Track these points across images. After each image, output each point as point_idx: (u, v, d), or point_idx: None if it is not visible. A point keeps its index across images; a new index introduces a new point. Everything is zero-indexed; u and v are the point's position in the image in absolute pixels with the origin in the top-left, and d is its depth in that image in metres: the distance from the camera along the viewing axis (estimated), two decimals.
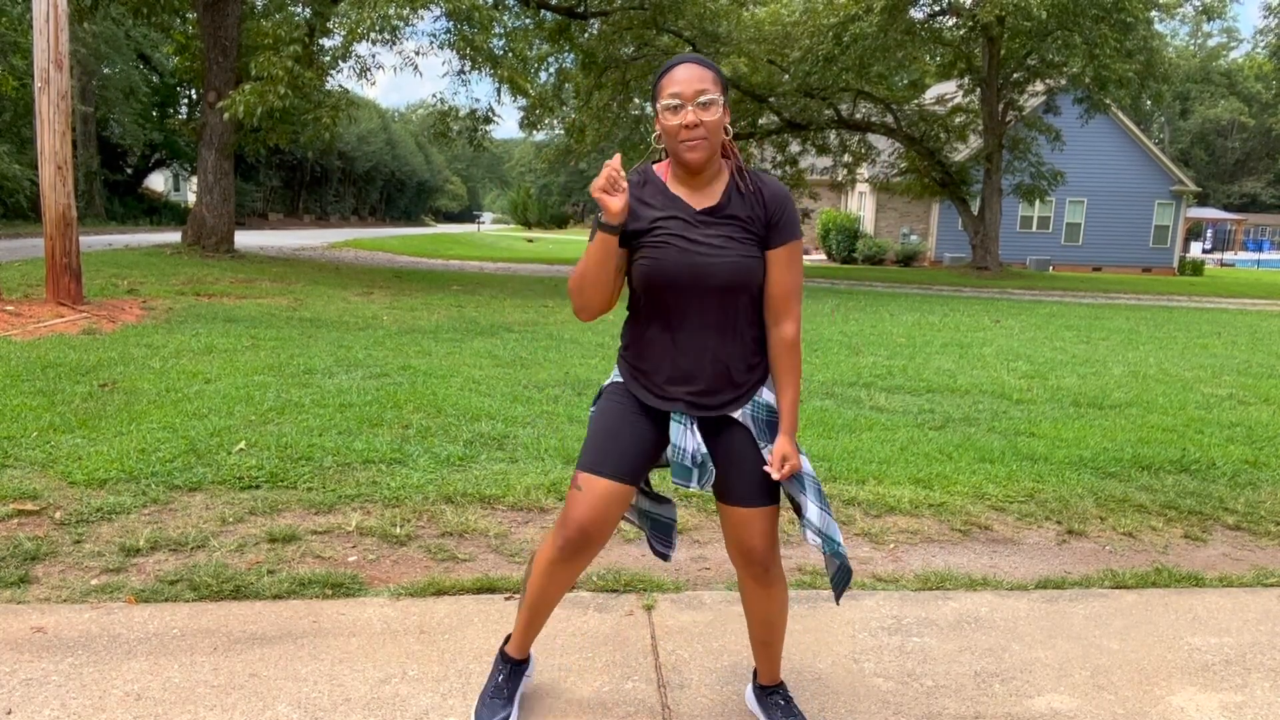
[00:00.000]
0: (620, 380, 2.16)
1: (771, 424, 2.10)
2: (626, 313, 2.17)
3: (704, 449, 2.08)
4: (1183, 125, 62.88)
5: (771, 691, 2.28)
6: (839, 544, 2.10)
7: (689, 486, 2.07)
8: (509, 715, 2.19)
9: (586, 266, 2.01)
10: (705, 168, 2.02)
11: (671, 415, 2.08)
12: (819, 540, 2.07)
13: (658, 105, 1.98)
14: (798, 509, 2.12)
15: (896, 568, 3.33)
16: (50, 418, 4.66)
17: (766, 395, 2.11)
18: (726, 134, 2.02)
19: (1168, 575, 3.32)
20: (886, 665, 2.59)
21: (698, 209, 2.03)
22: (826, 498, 2.14)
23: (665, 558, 2.36)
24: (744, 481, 2.07)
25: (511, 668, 2.26)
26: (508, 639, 2.30)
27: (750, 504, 2.07)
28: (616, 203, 1.93)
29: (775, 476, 2.01)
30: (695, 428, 2.08)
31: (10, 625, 2.60)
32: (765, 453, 2.07)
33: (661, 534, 2.33)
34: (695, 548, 3.45)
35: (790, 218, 2.06)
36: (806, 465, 2.12)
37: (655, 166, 2.12)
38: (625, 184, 1.95)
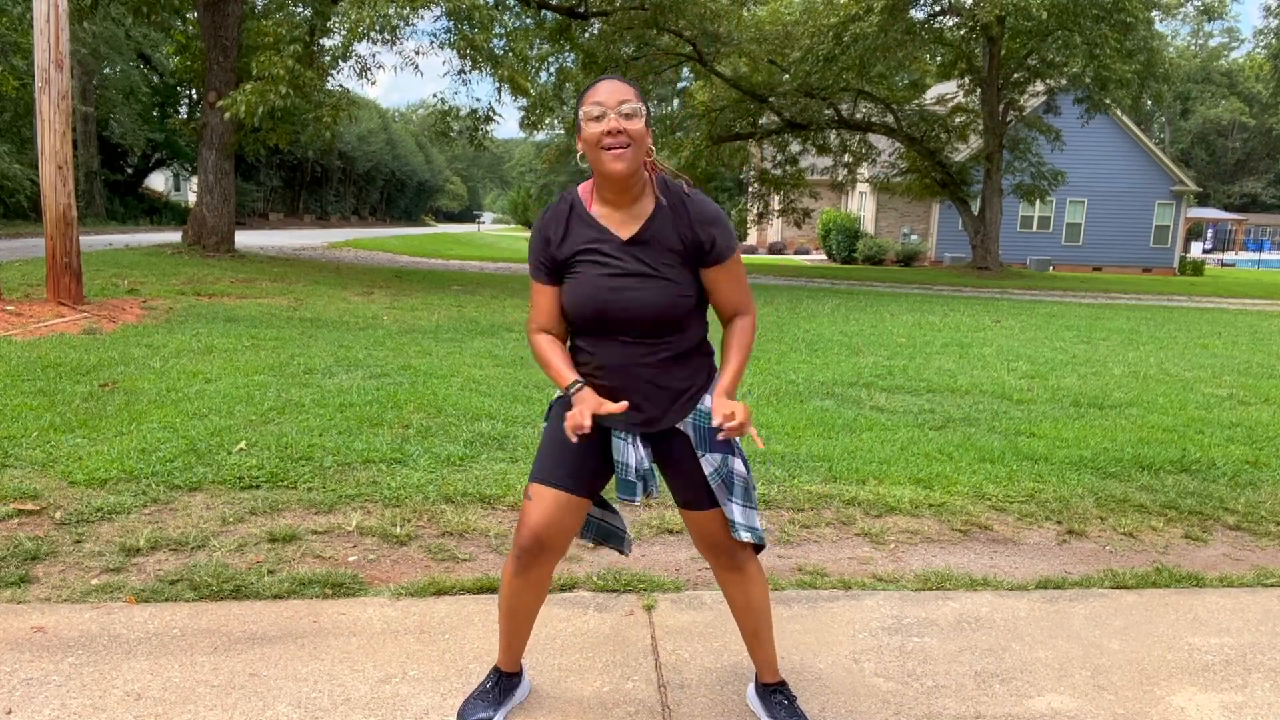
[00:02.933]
0: (565, 395, 2.17)
1: (714, 431, 2.09)
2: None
3: (647, 461, 2.11)
4: (1183, 125, 62.87)
5: (774, 690, 2.28)
6: (762, 532, 2.21)
7: (634, 501, 2.10)
8: (490, 717, 2.19)
9: (543, 364, 2.10)
10: (629, 184, 1.99)
11: (612, 432, 2.11)
12: (750, 536, 2.13)
13: (579, 118, 1.97)
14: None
15: (896, 568, 3.33)
16: (50, 418, 4.66)
17: (708, 401, 2.12)
18: (649, 155, 2.01)
19: (1168, 575, 3.32)
20: (886, 665, 2.59)
21: (623, 238, 2.02)
22: (752, 490, 2.16)
23: (624, 554, 2.44)
24: (689, 489, 2.13)
25: (500, 678, 2.27)
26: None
27: (693, 507, 2.14)
28: (586, 420, 1.93)
29: (721, 434, 1.95)
30: (638, 441, 2.10)
31: (10, 625, 2.60)
32: (705, 462, 2.09)
33: (614, 542, 2.38)
34: (695, 547, 3.44)
35: (723, 237, 2.04)
36: (737, 465, 2.12)
37: (580, 188, 2.10)
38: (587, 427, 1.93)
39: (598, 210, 2.06)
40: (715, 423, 1.95)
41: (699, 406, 2.11)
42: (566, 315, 2.09)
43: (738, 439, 2.10)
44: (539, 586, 2.16)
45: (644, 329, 2.03)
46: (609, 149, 1.93)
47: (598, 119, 1.94)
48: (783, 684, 2.30)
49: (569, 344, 2.17)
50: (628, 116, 1.94)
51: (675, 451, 2.12)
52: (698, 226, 2.02)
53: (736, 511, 2.12)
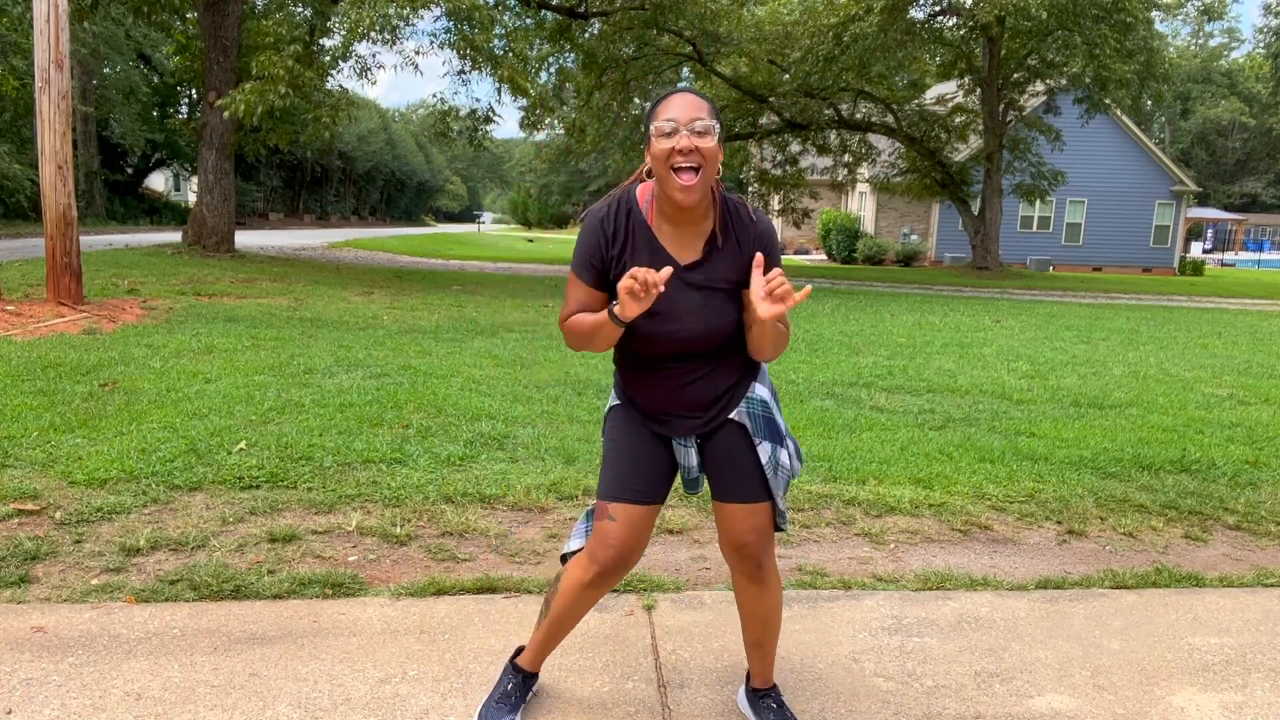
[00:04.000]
0: (619, 403, 2.18)
1: (768, 420, 2.10)
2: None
3: (699, 466, 2.13)
4: (1183, 125, 62.86)
5: (764, 695, 2.27)
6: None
7: (696, 494, 2.15)
8: None
9: (584, 333, 1.97)
10: (696, 206, 1.92)
11: (673, 440, 2.12)
12: (782, 521, 2.14)
13: (650, 130, 1.90)
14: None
15: (896, 568, 3.33)
16: (50, 418, 4.66)
17: (760, 390, 2.11)
18: (717, 174, 1.94)
19: (1168, 575, 3.32)
20: (886, 665, 2.59)
21: (682, 263, 1.98)
22: (788, 484, 2.17)
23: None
24: (736, 477, 2.09)
25: (522, 679, 2.27)
26: (519, 650, 2.31)
27: (742, 499, 2.09)
28: (636, 309, 1.82)
29: (765, 290, 1.81)
30: (694, 444, 2.12)
31: (10, 625, 2.60)
32: (761, 451, 2.08)
33: None
34: (695, 548, 3.45)
35: (773, 256, 2.00)
36: (784, 458, 2.11)
37: (639, 191, 2.03)
38: (657, 292, 1.80)
39: (658, 225, 2.00)
40: (765, 279, 1.83)
41: (750, 395, 2.10)
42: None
43: (780, 429, 2.11)
44: (601, 597, 2.16)
45: (696, 353, 2.03)
46: (680, 169, 1.86)
47: (669, 135, 1.86)
48: (773, 689, 2.29)
49: (620, 356, 2.13)
50: (700, 134, 1.86)
51: (728, 442, 2.09)
52: (753, 247, 1.99)
53: (780, 502, 2.13)
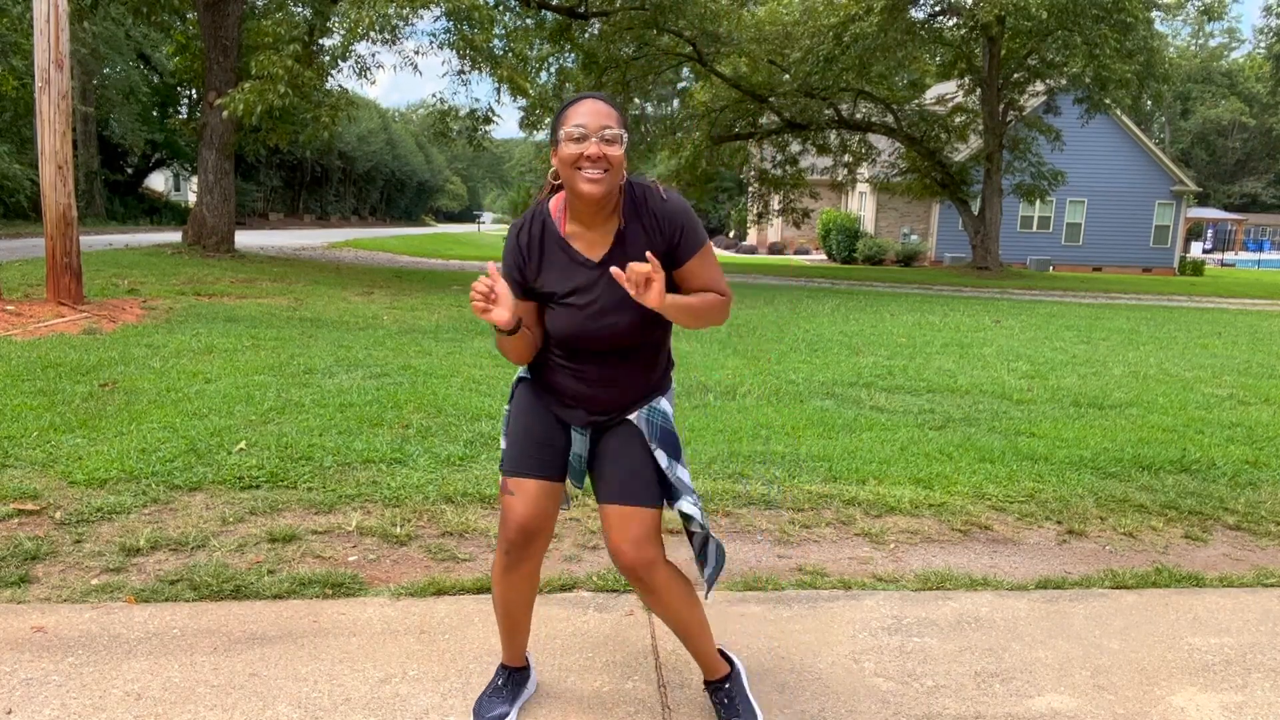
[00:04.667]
0: (528, 377, 2.20)
1: (667, 431, 2.11)
2: None
3: (587, 451, 2.17)
4: (1183, 125, 62.86)
5: (715, 687, 2.26)
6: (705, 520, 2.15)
7: (580, 488, 2.16)
8: (508, 713, 2.21)
9: (504, 347, 2.03)
10: (603, 204, 1.97)
11: (571, 426, 2.15)
12: (697, 516, 2.09)
13: (559, 134, 1.93)
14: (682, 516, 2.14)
15: (896, 568, 3.33)
16: (50, 418, 4.66)
17: (663, 404, 2.15)
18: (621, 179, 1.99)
19: (1168, 575, 3.32)
20: (886, 665, 2.59)
21: (594, 260, 2.02)
22: (695, 494, 2.16)
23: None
24: (618, 478, 2.06)
25: (510, 674, 2.29)
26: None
27: (626, 502, 2.04)
28: (503, 315, 1.90)
29: (628, 282, 1.83)
30: (588, 435, 2.16)
31: (10, 625, 2.60)
32: (656, 454, 2.09)
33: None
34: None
35: (689, 232, 2.02)
36: (683, 474, 2.11)
37: (552, 204, 2.07)
38: (500, 293, 1.90)
39: (570, 230, 2.04)
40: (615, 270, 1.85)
41: (653, 405, 2.13)
42: (547, 333, 2.11)
43: (679, 447, 2.13)
44: (531, 579, 2.16)
45: (620, 349, 2.07)
46: (586, 172, 1.91)
47: (578, 140, 1.90)
48: (725, 679, 2.25)
49: (544, 346, 2.15)
50: (609, 142, 1.90)
51: (619, 441, 2.10)
52: (665, 226, 2.02)
53: (689, 507, 2.08)
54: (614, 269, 1.84)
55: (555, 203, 2.07)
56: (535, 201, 2.12)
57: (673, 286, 2.05)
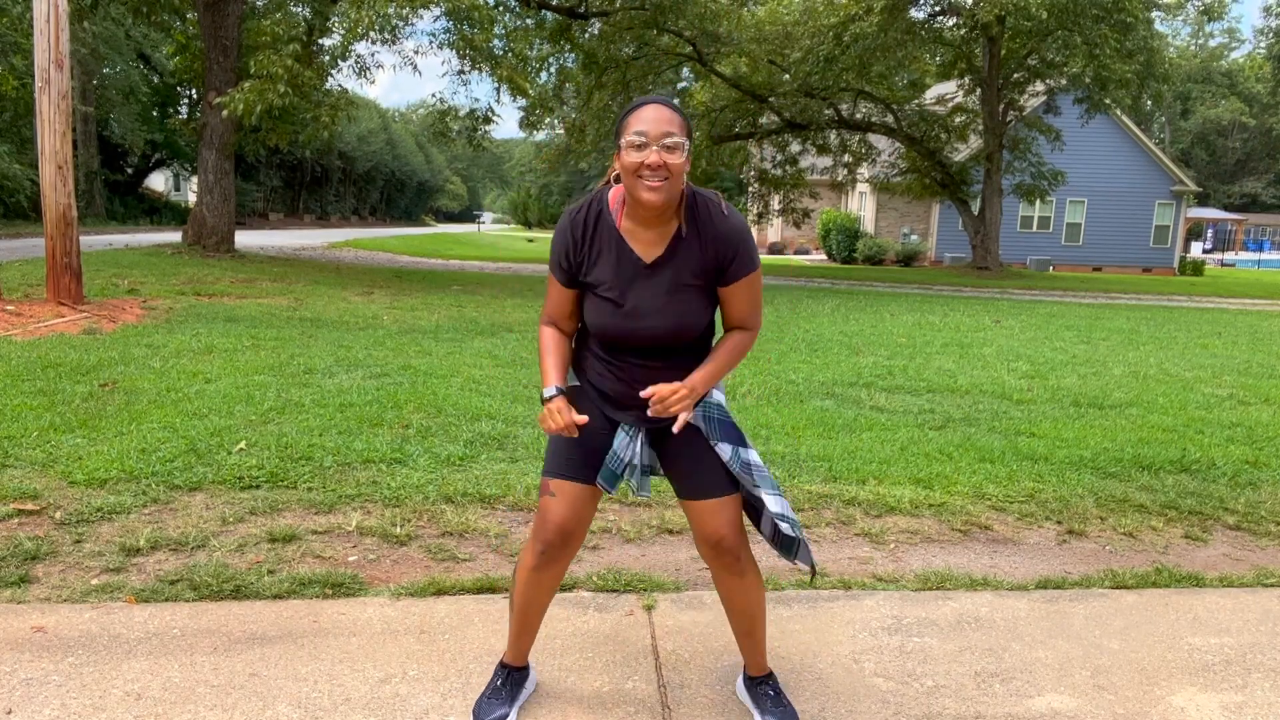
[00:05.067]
0: (576, 384, 2.21)
1: (724, 422, 2.13)
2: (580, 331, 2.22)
3: (643, 460, 2.15)
4: (1183, 125, 62.85)
5: (761, 682, 2.30)
6: (798, 523, 2.17)
7: (610, 491, 2.12)
8: (508, 714, 2.21)
9: (540, 357, 2.14)
10: (662, 211, 1.97)
11: (620, 425, 2.14)
12: (791, 529, 2.12)
13: (620, 140, 1.94)
14: (755, 509, 2.18)
15: (896, 568, 3.33)
16: (50, 418, 4.66)
17: (716, 395, 2.16)
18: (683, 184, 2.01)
19: (1168, 575, 3.32)
20: (886, 665, 2.59)
21: (646, 261, 2.02)
22: (778, 484, 2.20)
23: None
24: (700, 474, 2.12)
25: (509, 674, 2.29)
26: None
27: (711, 495, 2.11)
28: (550, 430, 2.03)
29: (651, 408, 1.98)
30: (641, 436, 2.13)
31: (10, 625, 2.60)
32: (719, 449, 2.11)
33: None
34: (695, 548, 3.44)
35: (744, 255, 2.03)
36: (754, 457, 2.14)
37: (611, 196, 2.08)
38: (566, 432, 2.02)
39: (626, 226, 2.04)
40: (643, 392, 1.98)
41: (706, 399, 2.13)
42: (586, 326, 2.12)
43: (742, 433, 2.15)
44: (557, 579, 2.18)
45: (661, 352, 2.08)
46: (646, 180, 1.91)
47: (639, 148, 1.90)
48: (770, 675, 2.32)
49: (583, 343, 2.18)
50: (670, 149, 1.89)
51: (684, 442, 2.12)
52: (721, 245, 2.02)
53: (772, 502, 2.11)
54: (643, 392, 1.97)
55: (614, 195, 2.07)
56: (594, 190, 2.12)
57: (713, 297, 2.08)
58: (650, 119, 1.91)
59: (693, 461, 2.12)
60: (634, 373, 2.09)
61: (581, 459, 2.12)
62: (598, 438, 2.14)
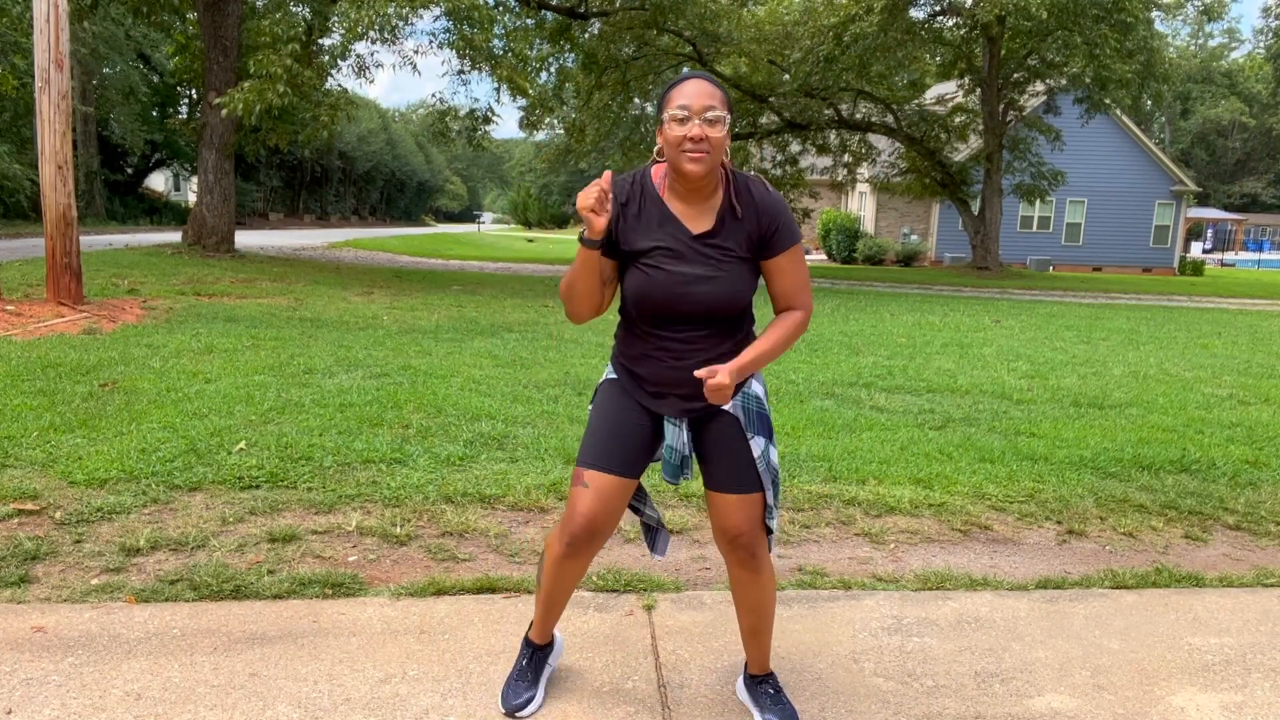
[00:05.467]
0: (615, 377, 2.21)
1: (762, 416, 2.16)
2: (619, 315, 2.20)
3: (689, 448, 2.15)
4: (1183, 125, 62.85)
5: (761, 681, 2.32)
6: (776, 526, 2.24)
7: (676, 484, 2.16)
8: (534, 696, 2.26)
9: (574, 276, 2.04)
10: (704, 183, 2.02)
11: (665, 418, 2.14)
12: (774, 524, 2.19)
13: (664, 115, 1.98)
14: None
15: (896, 568, 3.33)
16: (50, 417, 4.66)
17: (756, 387, 2.17)
18: (725, 155, 2.04)
19: (1168, 575, 3.32)
20: (886, 665, 2.59)
21: (693, 232, 2.05)
22: (779, 486, 2.24)
23: (656, 554, 2.40)
24: (730, 468, 2.13)
25: (534, 652, 2.34)
26: (531, 625, 2.37)
27: (736, 490, 2.13)
28: (601, 222, 1.94)
29: (700, 374, 1.96)
30: (685, 425, 2.15)
31: (10, 625, 2.60)
32: (754, 445, 2.12)
33: (650, 538, 2.38)
34: (695, 548, 3.45)
35: (785, 227, 2.07)
36: (774, 457, 2.17)
37: (653, 171, 2.12)
38: (610, 204, 1.96)
39: (669, 200, 2.08)
40: (702, 372, 1.95)
41: (746, 390, 2.15)
42: (629, 304, 2.11)
43: (773, 429, 2.18)
44: (583, 568, 2.20)
45: (706, 321, 2.07)
46: (689, 153, 1.95)
47: (681, 122, 1.95)
48: (770, 675, 2.33)
49: (626, 329, 2.17)
50: (711, 123, 1.94)
51: (722, 432, 2.14)
52: (765, 217, 2.06)
53: (770, 496, 2.17)
54: (697, 372, 1.94)
55: (657, 171, 2.11)
56: (639, 168, 2.16)
57: (757, 270, 2.10)
58: (692, 93, 1.95)
59: (727, 453, 2.13)
60: (675, 348, 2.08)
61: (618, 451, 2.12)
62: (636, 432, 2.14)
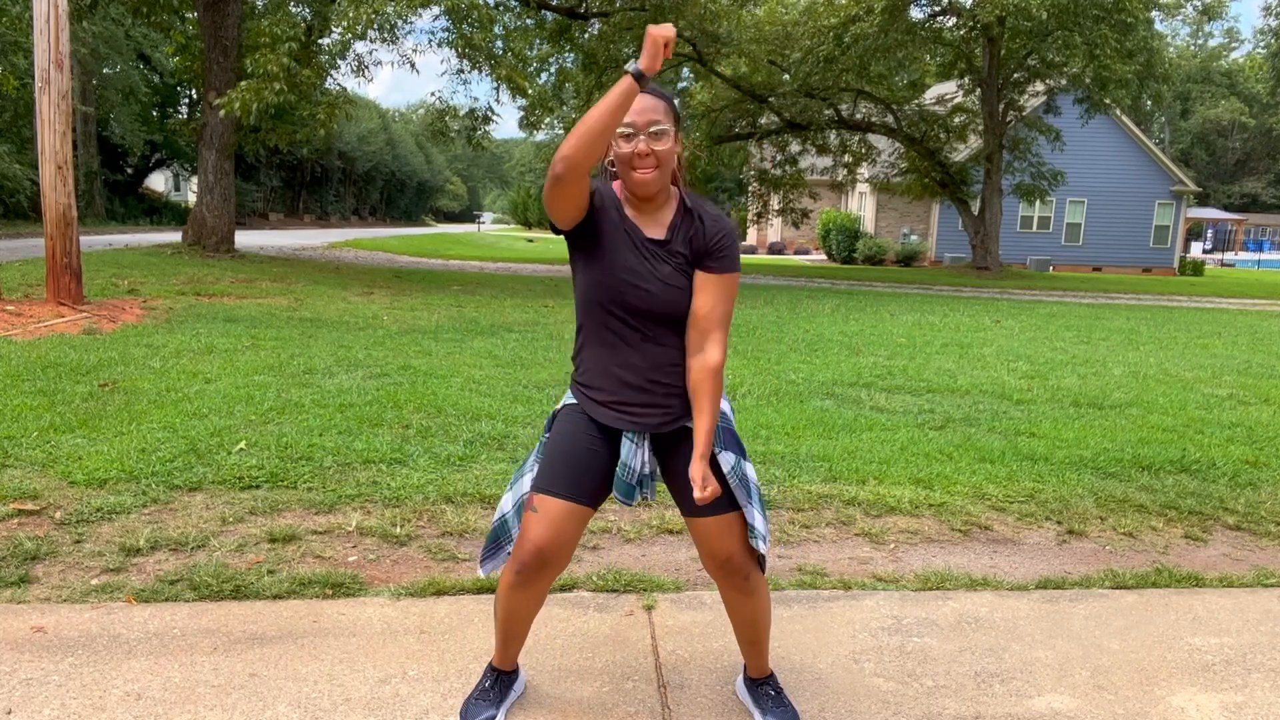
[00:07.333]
0: (573, 402, 2.18)
1: (728, 430, 2.13)
2: (575, 335, 2.21)
3: (649, 466, 2.13)
4: (1183, 125, 62.85)
5: (762, 683, 2.31)
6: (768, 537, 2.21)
7: (629, 503, 2.12)
8: (494, 715, 2.20)
9: (598, 114, 1.84)
10: (655, 196, 2.06)
11: (624, 433, 2.11)
12: (764, 546, 2.15)
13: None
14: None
15: (896, 568, 3.33)
16: (50, 418, 4.66)
17: (722, 404, 2.16)
18: (678, 164, 2.08)
19: (1168, 575, 3.32)
20: (886, 665, 2.59)
21: (649, 237, 2.08)
22: (764, 499, 2.24)
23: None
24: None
25: (497, 677, 2.27)
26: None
27: (717, 512, 2.09)
28: (658, 61, 1.83)
29: (697, 498, 1.95)
30: (647, 444, 2.12)
31: (10, 625, 2.60)
32: (721, 458, 2.10)
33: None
34: (695, 548, 3.44)
35: (728, 250, 2.08)
36: (750, 471, 2.14)
37: (615, 185, 2.14)
38: (666, 39, 1.83)
39: (627, 208, 2.11)
40: (696, 492, 1.95)
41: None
42: (581, 300, 2.11)
43: (743, 445, 2.17)
44: (537, 598, 2.13)
45: (657, 323, 2.06)
46: (637, 169, 2.00)
47: (628, 139, 1.98)
48: (771, 676, 2.33)
49: (580, 346, 2.16)
50: (656, 137, 1.97)
51: (687, 454, 2.10)
52: (710, 230, 2.09)
53: (759, 519, 2.12)
54: (697, 495, 1.94)
55: (617, 185, 2.14)
56: (598, 181, 2.17)
57: (687, 285, 2.08)
58: (636, 109, 1.97)
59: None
60: (633, 356, 2.08)
61: (570, 475, 2.07)
62: (591, 457, 2.10)
